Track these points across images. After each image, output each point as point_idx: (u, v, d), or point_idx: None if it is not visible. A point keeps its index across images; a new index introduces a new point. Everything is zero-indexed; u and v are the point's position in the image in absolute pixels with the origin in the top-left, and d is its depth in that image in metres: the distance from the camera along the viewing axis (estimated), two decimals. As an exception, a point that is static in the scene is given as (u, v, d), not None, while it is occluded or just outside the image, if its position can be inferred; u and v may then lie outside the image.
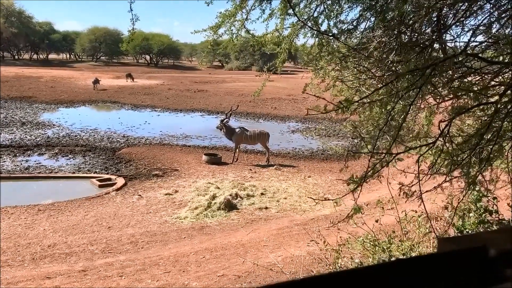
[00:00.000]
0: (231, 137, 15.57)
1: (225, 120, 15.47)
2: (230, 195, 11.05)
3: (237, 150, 15.74)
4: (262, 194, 11.71)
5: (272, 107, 29.83)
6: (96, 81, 35.79)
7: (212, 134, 17.38)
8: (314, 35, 3.84)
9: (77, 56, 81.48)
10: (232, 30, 3.95)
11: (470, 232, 3.65)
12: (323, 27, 3.94)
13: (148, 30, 78.58)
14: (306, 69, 4.25)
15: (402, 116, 3.04)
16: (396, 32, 3.55)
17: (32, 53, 74.87)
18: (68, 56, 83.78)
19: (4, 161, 14.31)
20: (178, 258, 7.38)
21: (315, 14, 3.97)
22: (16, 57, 72.47)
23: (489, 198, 3.85)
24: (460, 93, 2.84)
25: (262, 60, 63.12)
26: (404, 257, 3.90)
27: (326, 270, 4.83)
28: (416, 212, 4.39)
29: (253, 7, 3.88)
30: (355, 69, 3.75)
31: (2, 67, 48.67)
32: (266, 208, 10.74)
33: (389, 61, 3.36)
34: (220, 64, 79.87)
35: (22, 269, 7.13)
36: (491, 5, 3.36)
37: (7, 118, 22.16)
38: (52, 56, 79.69)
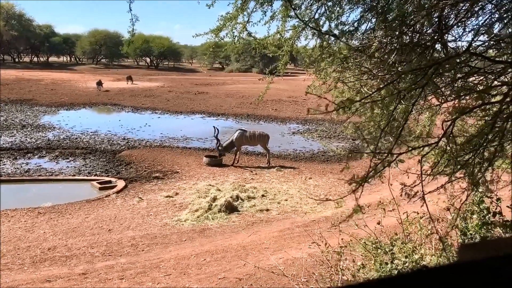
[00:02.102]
0: (233, 146, 15.57)
1: (218, 145, 15.34)
2: (231, 197, 11.00)
3: (238, 152, 15.74)
4: (263, 196, 11.68)
5: (273, 109, 29.81)
6: (100, 83, 36.67)
7: (213, 136, 17.43)
8: (316, 37, 3.82)
9: (77, 59, 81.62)
10: (233, 32, 3.93)
11: (473, 234, 3.62)
12: (324, 29, 3.92)
13: (149, 33, 78.77)
14: (307, 71, 4.20)
15: (404, 117, 3.04)
16: (397, 32, 3.53)
17: (33, 56, 74.97)
18: (68, 58, 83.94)
19: (4, 164, 14.29)
20: (178, 261, 7.36)
21: (316, 16, 3.96)
22: (17, 60, 72.57)
23: (492, 199, 3.83)
24: (463, 93, 2.82)
25: (262, 62, 63.31)
26: (408, 259, 3.87)
27: (328, 273, 4.80)
28: (417, 213, 4.35)
29: (254, 10, 3.87)
30: (357, 70, 3.73)
31: (2, 70, 48.73)
32: (267, 210, 10.68)
33: (391, 62, 3.34)
34: (221, 66, 79.96)
35: (22, 272, 7.11)
36: (493, 6, 3.35)
37: (7, 121, 22.15)
38: (52, 59, 79.83)
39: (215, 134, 15.21)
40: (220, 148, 15.38)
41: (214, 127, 15.61)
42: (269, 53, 4.27)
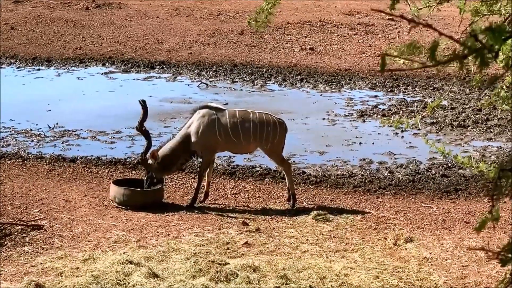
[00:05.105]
0: (190, 152, 6.52)
1: (144, 150, 6.41)
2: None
3: (205, 168, 6.46)
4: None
5: (302, 47, 13.48)
6: None
7: (135, 128, 6.72)
8: None
9: None
10: None
11: None
12: None
13: None
14: None
15: None
16: None
17: None
18: None
19: None
20: None
21: None
22: None
23: None
24: None
25: None
26: None
27: None
28: None
29: None
30: None
31: None
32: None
33: None
34: None
35: None
36: None
37: None
38: None
39: (140, 120, 6.42)
40: (151, 159, 6.34)
41: (141, 102, 6.46)
42: None
